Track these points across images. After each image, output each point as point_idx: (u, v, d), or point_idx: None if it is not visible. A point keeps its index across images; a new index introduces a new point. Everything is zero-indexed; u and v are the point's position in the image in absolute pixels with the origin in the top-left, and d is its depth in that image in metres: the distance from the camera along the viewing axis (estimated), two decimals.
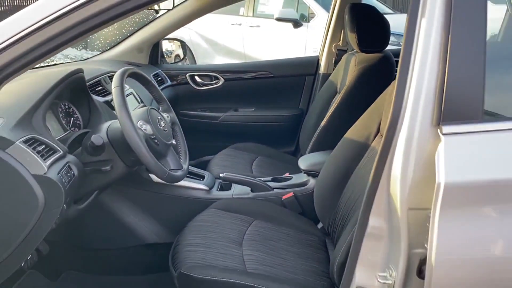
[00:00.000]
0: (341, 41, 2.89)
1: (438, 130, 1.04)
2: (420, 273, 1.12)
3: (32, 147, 1.38)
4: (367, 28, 2.17)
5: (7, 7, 9.95)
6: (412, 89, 1.07)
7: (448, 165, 1.01)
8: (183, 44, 3.52)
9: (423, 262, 1.09)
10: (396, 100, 1.09)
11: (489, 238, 1.05)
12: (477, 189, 1.02)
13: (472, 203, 1.02)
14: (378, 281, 1.19)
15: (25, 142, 1.37)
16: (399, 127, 1.09)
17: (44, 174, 1.36)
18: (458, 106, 1.05)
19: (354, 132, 1.77)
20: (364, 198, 1.19)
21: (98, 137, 1.59)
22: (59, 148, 1.50)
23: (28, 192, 1.34)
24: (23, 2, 10.00)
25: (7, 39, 1.16)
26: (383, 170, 1.14)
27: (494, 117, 1.09)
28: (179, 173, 1.75)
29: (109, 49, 2.92)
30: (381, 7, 6.58)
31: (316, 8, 6.24)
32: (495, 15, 2.26)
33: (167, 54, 3.40)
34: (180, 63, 3.57)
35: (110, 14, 1.15)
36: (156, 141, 1.67)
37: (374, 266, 1.22)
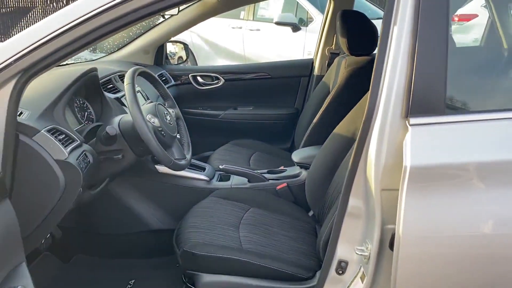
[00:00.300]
0: (333, 45, 3.07)
1: (406, 121, 1.22)
2: (392, 246, 1.29)
3: (54, 135, 1.56)
4: (356, 33, 2.33)
5: (12, 8, 10.13)
6: (385, 86, 1.24)
7: (413, 151, 1.18)
8: (186, 47, 3.68)
9: (394, 236, 1.26)
10: (371, 96, 1.27)
11: (449, 215, 1.21)
12: (438, 171, 1.19)
13: (434, 184, 1.19)
14: (356, 253, 1.37)
15: (48, 131, 1.54)
16: (374, 119, 1.26)
17: (65, 159, 1.54)
18: (423, 101, 1.22)
19: (342, 128, 1.94)
20: (344, 182, 1.37)
21: (112, 128, 1.77)
22: (76, 138, 1.68)
23: (51, 174, 1.51)
24: (27, 4, 10.17)
25: (39, 40, 1.34)
26: (361, 157, 1.31)
27: (455, 110, 1.27)
28: (182, 162, 1.93)
29: (117, 50, 3.09)
30: (380, 13, 6.73)
31: (314, 12, 6.39)
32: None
33: (171, 56, 3.56)
34: (182, 65, 3.75)
35: (130, 18, 1.34)
36: (162, 133, 1.85)
37: (353, 241, 1.39)
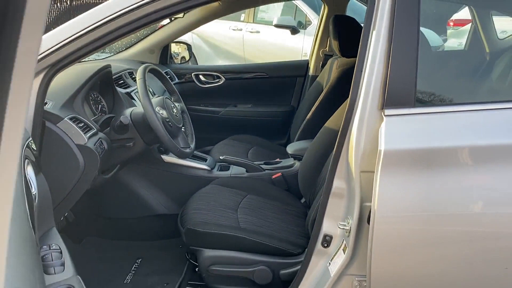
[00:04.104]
0: (327, 47, 3.26)
1: (382, 112, 1.41)
2: (369, 221, 1.48)
3: (75, 123, 1.76)
4: (347, 36, 2.53)
5: None
6: (364, 82, 1.44)
7: (387, 137, 1.38)
8: (189, 47, 3.88)
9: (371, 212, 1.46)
10: (353, 91, 1.47)
11: (417, 194, 1.40)
12: (408, 155, 1.39)
13: (404, 166, 1.39)
14: (339, 228, 1.57)
15: (70, 119, 1.75)
16: (355, 110, 1.46)
17: (85, 144, 1.74)
18: (397, 95, 1.42)
19: (331, 122, 2.13)
20: (329, 166, 1.57)
21: (126, 118, 1.98)
22: (93, 126, 1.88)
23: (72, 157, 1.72)
24: None
25: (66, 39, 1.54)
26: (344, 143, 1.52)
27: (423, 103, 1.47)
28: (187, 150, 2.13)
29: (125, 49, 3.29)
30: None
31: (313, 16, 6.57)
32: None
33: (174, 56, 3.75)
34: (185, 64, 3.93)
35: (150, 18, 1.54)
36: (170, 123, 2.05)
37: (337, 217, 1.59)
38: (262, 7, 7.23)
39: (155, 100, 2.09)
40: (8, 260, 0.48)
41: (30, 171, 1.24)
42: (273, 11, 7.17)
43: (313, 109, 2.62)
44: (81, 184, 1.78)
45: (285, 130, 3.39)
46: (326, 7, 3.26)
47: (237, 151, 2.88)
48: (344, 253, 1.55)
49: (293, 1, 6.19)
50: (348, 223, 1.53)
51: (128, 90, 2.52)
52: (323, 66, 3.18)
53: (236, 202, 2.11)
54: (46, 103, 1.75)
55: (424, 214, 1.41)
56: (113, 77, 2.40)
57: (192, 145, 2.24)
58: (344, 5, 3.26)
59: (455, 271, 1.46)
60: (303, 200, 2.34)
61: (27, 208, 1.05)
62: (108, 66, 2.20)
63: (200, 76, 3.46)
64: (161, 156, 2.40)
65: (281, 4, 7.01)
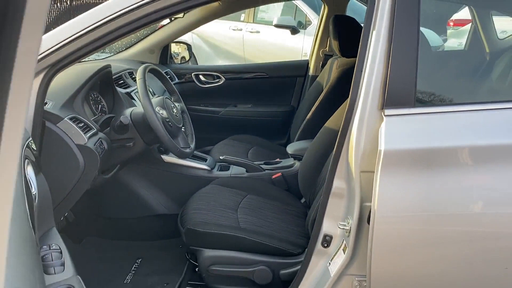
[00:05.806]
0: (327, 47, 3.26)
1: (382, 112, 1.41)
2: (369, 221, 1.48)
3: (75, 123, 1.76)
4: (347, 36, 2.53)
5: None
6: (364, 82, 1.44)
7: (387, 137, 1.38)
8: (189, 47, 3.88)
9: (371, 212, 1.46)
10: (353, 91, 1.47)
11: (416, 194, 1.40)
12: (408, 155, 1.39)
13: (404, 166, 1.39)
14: (339, 228, 1.57)
15: (70, 119, 1.75)
16: (355, 110, 1.47)
17: (85, 144, 1.74)
18: (397, 95, 1.42)
19: (331, 122, 2.13)
20: (329, 166, 1.57)
21: (126, 118, 1.98)
22: (93, 126, 1.88)
23: (72, 157, 1.72)
24: None
25: (66, 39, 1.54)
26: (344, 143, 1.52)
27: (423, 103, 1.47)
28: (187, 150, 2.13)
29: (125, 49, 3.29)
30: None
31: (313, 16, 6.57)
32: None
33: (174, 56, 3.75)
34: (185, 64, 3.93)
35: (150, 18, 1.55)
36: (170, 123, 2.05)
37: (337, 217, 1.59)
38: (262, 7, 7.22)
39: (155, 100, 2.09)
40: (8, 260, 0.48)
41: (30, 171, 1.24)
42: (273, 11, 7.17)
43: (313, 109, 2.62)
44: (81, 184, 1.78)
45: (285, 130, 3.39)
46: (326, 7, 3.26)
47: (237, 151, 2.88)
48: (344, 253, 1.55)
49: (293, 1, 6.18)
50: (348, 223, 1.53)
51: (128, 90, 2.52)
52: (323, 66, 3.18)
53: (236, 202, 2.12)
54: (46, 103, 1.75)
55: (424, 214, 1.41)
56: (113, 77, 2.41)
57: (192, 145, 2.24)
58: (344, 5, 3.26)
59: (455, 271, 1.46)
60: (303, 200, 2.34)
61: (27, 208, 1.05)
62: (108, 66, 2.20)
63: (200, 76, 3.46)
64: (161, 156, 2.40)
65: (281, 4, 7.00)
